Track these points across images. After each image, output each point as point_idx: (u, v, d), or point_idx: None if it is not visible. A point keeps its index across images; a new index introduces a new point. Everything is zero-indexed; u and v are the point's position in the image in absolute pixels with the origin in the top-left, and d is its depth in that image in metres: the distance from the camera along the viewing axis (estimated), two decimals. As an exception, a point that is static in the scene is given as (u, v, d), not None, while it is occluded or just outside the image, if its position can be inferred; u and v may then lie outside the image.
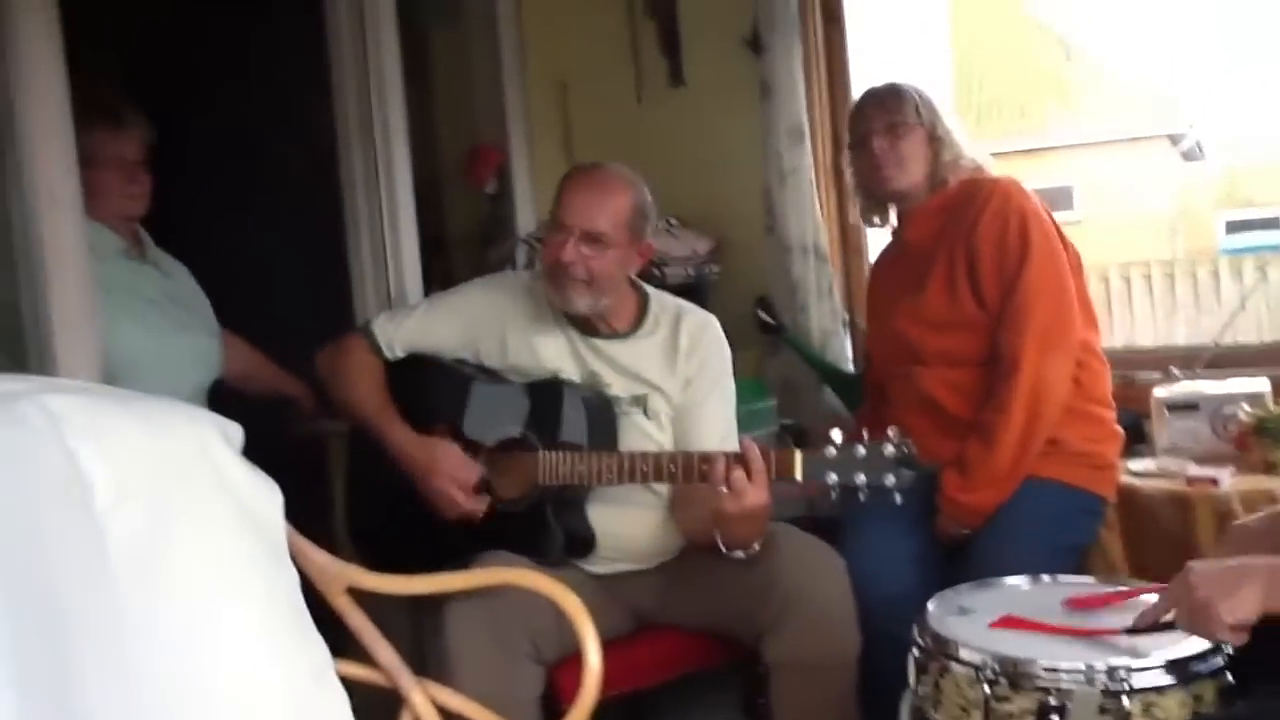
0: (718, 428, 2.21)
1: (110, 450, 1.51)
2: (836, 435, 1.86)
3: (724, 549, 2.03)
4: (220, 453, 1.67)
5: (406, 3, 2.97)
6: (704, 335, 2.25)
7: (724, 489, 1.90)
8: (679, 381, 2.21)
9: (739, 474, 1.89)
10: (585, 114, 3.55)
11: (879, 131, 2.38)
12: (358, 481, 2.42)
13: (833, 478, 1.85)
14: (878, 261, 2.66)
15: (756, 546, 2.04)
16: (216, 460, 1.66)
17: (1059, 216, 2.38)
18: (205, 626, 1.53)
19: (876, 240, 2.96)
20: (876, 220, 2.58)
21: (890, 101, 2.39)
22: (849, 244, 3.22)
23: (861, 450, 1.84)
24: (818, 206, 3.08)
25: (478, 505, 2.16)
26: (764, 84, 3.06)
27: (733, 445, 2.16)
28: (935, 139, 2.37)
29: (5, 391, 1.47)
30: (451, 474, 2.15)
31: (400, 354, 2.30)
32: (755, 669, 2.15)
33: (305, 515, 1.82)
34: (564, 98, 3.55)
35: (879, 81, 2.48)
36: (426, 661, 1.87)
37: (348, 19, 2.88)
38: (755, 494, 1.89)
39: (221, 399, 2.54)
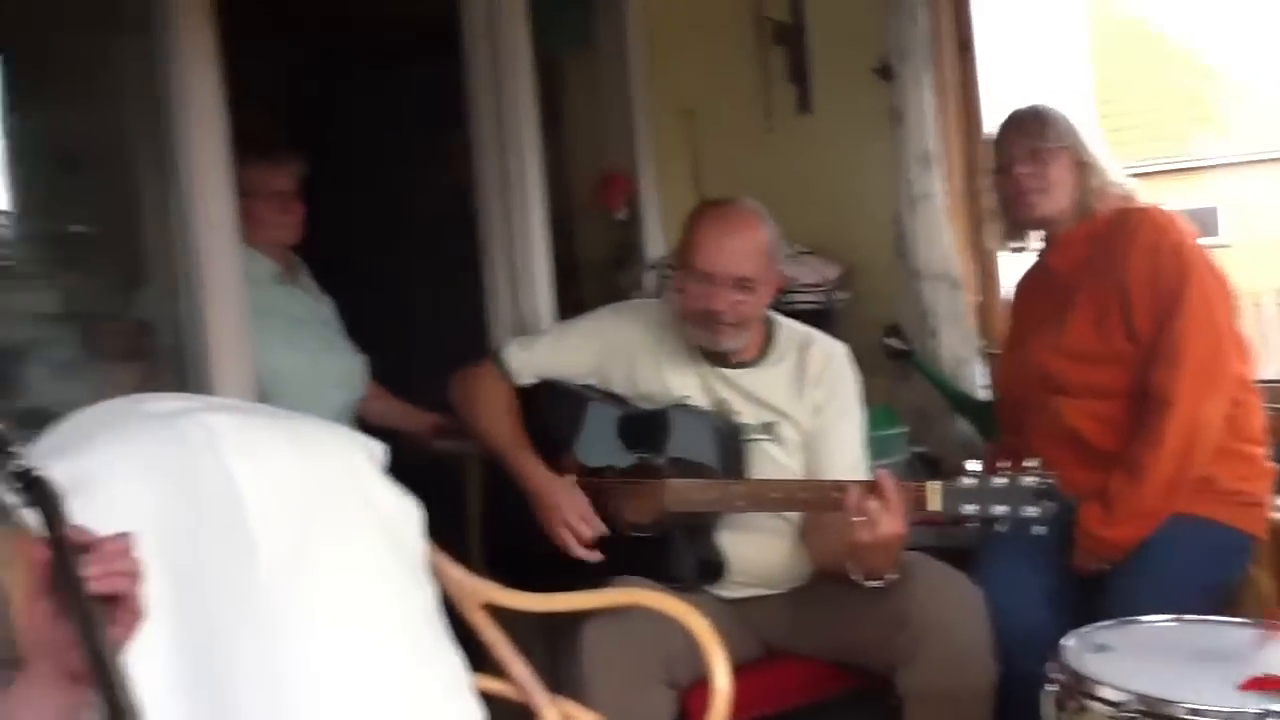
0: (848, 455, 2.20)
1: (263, 467, 1.59)
2: (973, 465, 1.83)
3: (858, 578, 2.01)
4: (365, 471, 1.74)
5: (539, 31, 3.04)
6: (832, 362, 2.24)
7: (858, 518, 1.88)
8: (807, 408, 2.21)
9: (873, 503, 1.87)
10: (713, 141, 3.57)
11: (1022, 157, 2.32)
12: (494, 502, 2.47)
13: (971, 509, 1.82)
14: (1020, 285, 2.60)
15: (893, 576, 2.01)
16: (361, 478, 1.73)
17: (1203, 241, 2.31)
18: (347, 636, 1.59)
19: (1010, 267, 2.91)
20: (1018, 244, 2.52)
21: (1033, 125, 2.34)
22: (983, 270, 3.16)
23: (1002, 482, 1.80)
24: (949, 232, 3.04)
25: (592, 558, 2.18)
26: (894, 111, 3.05)
27: (863, 472, 2.15)
28: (1081, 164, 2.31)
29: (170, 410, 1.56)
30: (572, 524, 2.18)
31: (530, 380, 2.35)
32: (888, 699, 2.12)
33: (443, 533, 1.87)
34: (692, 125, 3.58)
35: (1012, 108, 2.44)
36: (559, 682, 1.89)
37: (484, 49, 2.97)
38: (890, 523, 1.87)
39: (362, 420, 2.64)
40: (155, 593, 1.31)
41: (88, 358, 2.47)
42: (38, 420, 1.60)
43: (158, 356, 2.25)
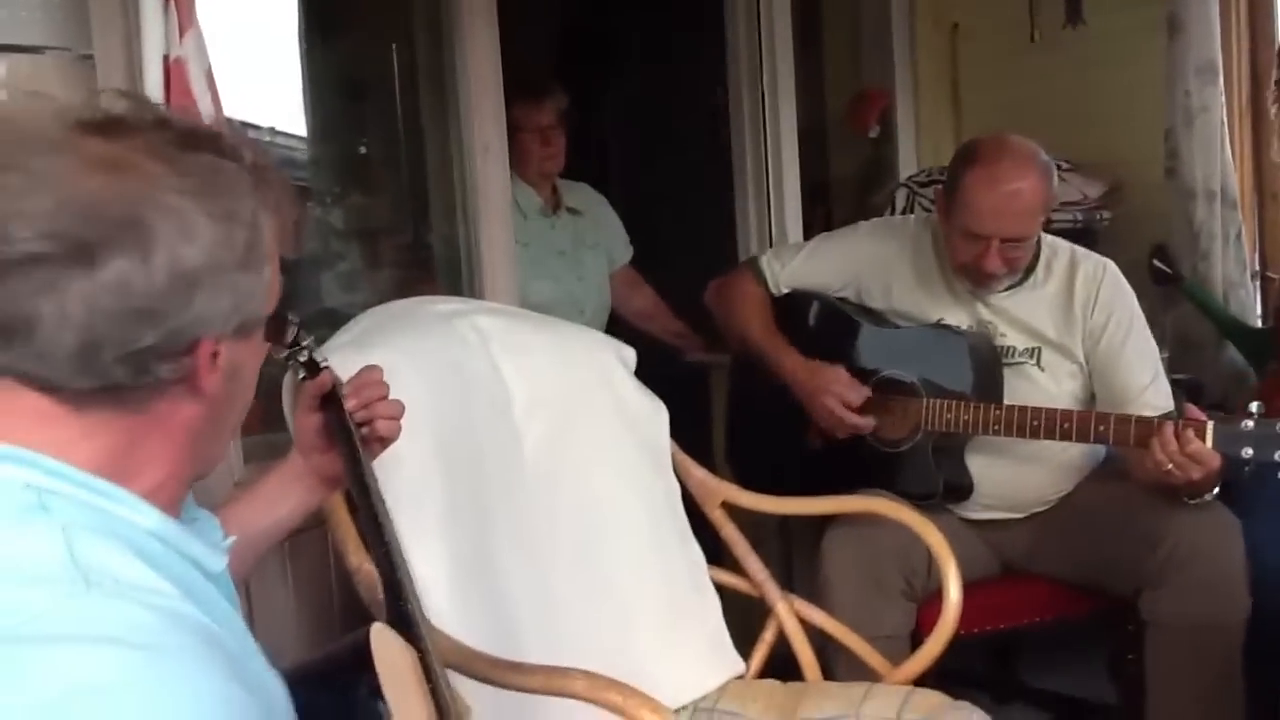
0: (1143, 374, 2.12)
1: (526, 366, 1.75)
2: (1256, 408, 1.75)
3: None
4: (616, 372, 1.88)
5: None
6: (1104, 282, 2.15)
7: (1156, 462, 1.84)
8: (1082, 336, 2.15)
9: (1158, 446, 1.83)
10: (975, 56, 3.48)
11: None
12: (738, 413, 2.55)
13: (1248, 452, 1.76)
14: None
15: (1209, 496, 1.96)
16: (613, 378, 1.86)
17: None
18: (598, 522, 1.74)
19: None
20: None
21: None
22: (1263, 189, 2.96)
23: None
24: (1228, 148, 2.86)
25: (864, 423, 2.18)
26: (1172, 20, 2.87)
27: (1162, 388, 2.11)
28: None
29: (448, 311, 1.74)
30: (840, 394, 2.18)
31: (785, 290, 2.37)
32: (1128, 624, 2.09)
33: (687, 440, 1.98)
34: (953, 39, 3.50)
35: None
36: (793, 585, 1.97)
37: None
38: (1188, 471, 1.82)
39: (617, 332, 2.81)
40: (431, 466, 1.50)
41: (370, 269, 2.73)
42: (330, 320, 1.82)
43: (434, 270, 2.47)
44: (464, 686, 1.20)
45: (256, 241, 0.85)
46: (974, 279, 2.12)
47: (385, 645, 0.97)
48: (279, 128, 2.58)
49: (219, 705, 0.72)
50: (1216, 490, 1.95)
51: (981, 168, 2.04)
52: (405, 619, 1.06)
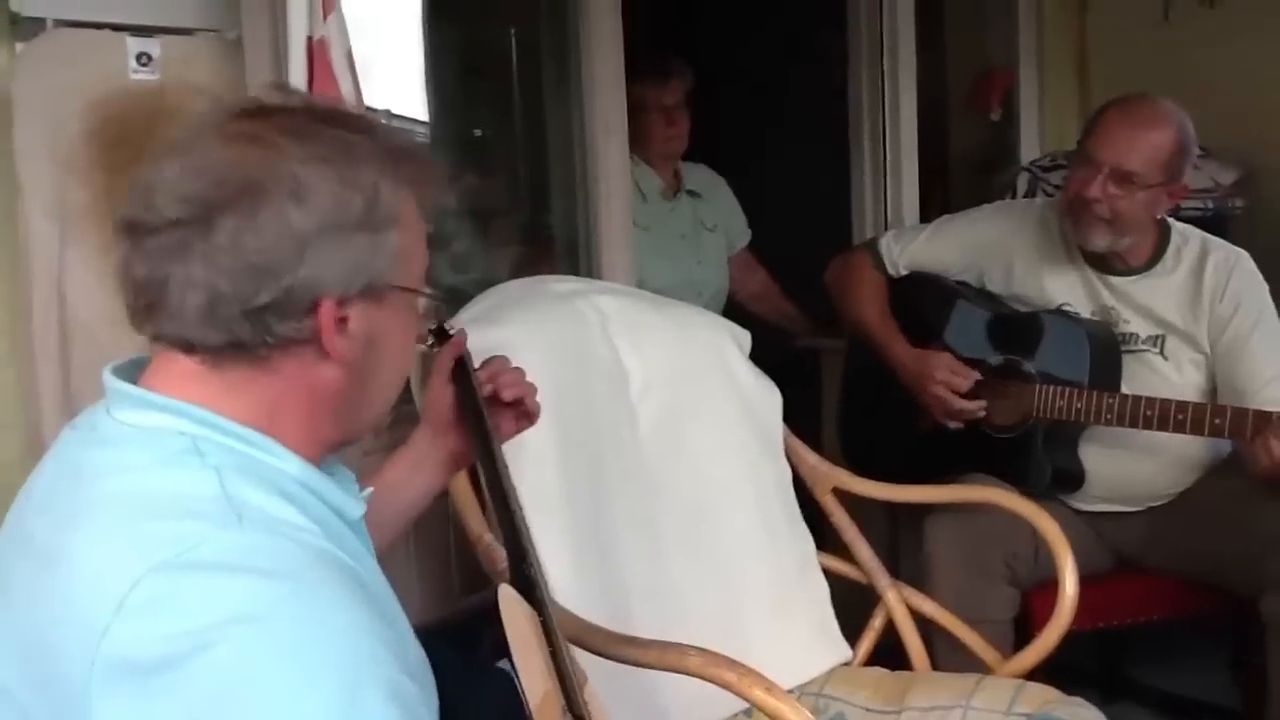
0: (1268, 366, 2.06)
1: (643, 346, 1.78)
2: None
3: None
4: (731, 354, 1.89)
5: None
6: (1234, 272, 2.10)
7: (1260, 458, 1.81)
8: (1208, 325, 2.10)
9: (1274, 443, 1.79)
10: (1104, 36, 3.37)
11: None
12: (850, 396, 2.55)
13: None
14: None
15: None
16: (727, 360, 1.88)
17: None
18: (710, 502, 1.76)
19: None
20: None
21: None
22: None
23: None
24: (1376, 132, 2.73)
25: (971, 407, 2.17)
26: (1316, -3, 2.75)
27: None
28: None
29: (568, 290, 1.77)
30: (946, 380, 2.18)
31: (903, 272, 2.36)
32: (1250, 626, 2.04)
33: (799, 423, 1.99)
34: (1082, 18, 3.40)
35: None
36: (899, 572, 1.96)
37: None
38: None
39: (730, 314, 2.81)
40: (550, 443, 1.54)
41: (484, 248, 2.78)
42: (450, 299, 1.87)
43: (553, 252, 2.50)
44: (579, 660, 1.23)
45: (375, 205, 0.87)
46: (1075, 215, 2.08)
47: (511, 606, 1.01)
48: (395, 110, 2.63)
49: (362, 635, 0.77)
50: None
51: (1119, 102, 2.09)
52: (529, 583, 1.09)
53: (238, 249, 0.83)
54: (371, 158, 0.88)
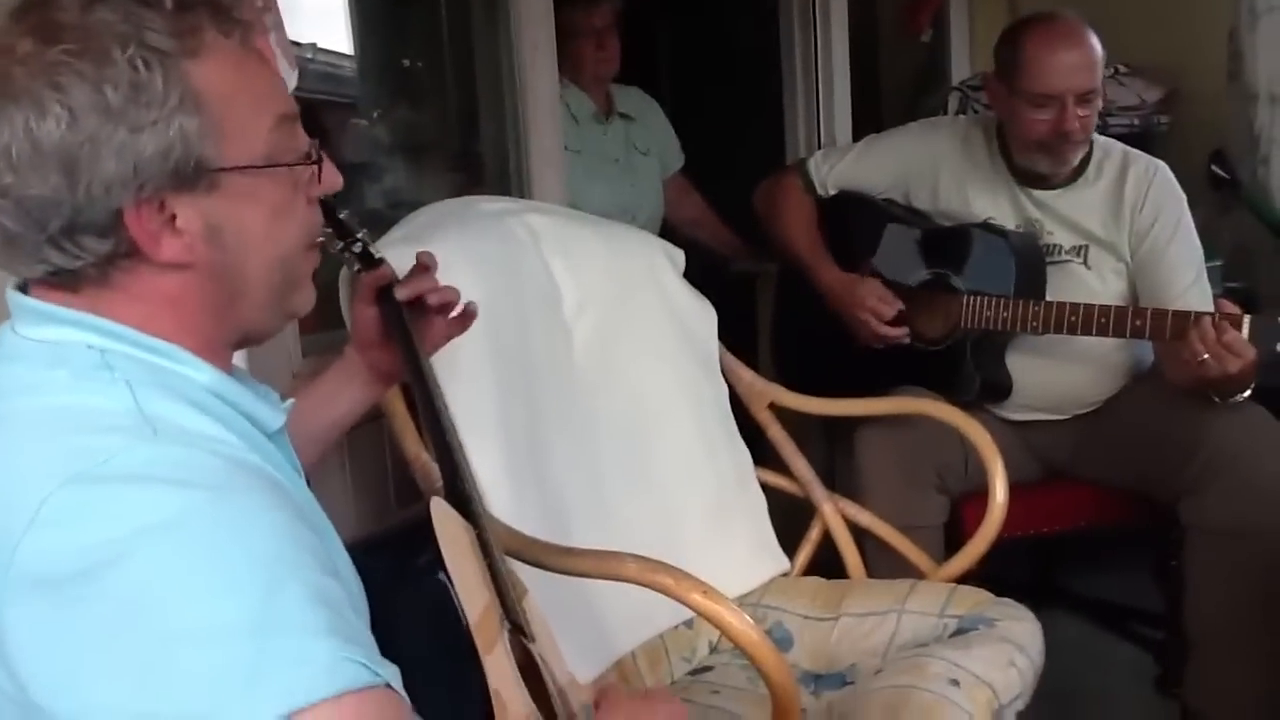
0: (1185, 274, 2.12)
1: (576, 264, 1.76)
2: None
3: (1215, 397, 1.97)
4: (665, 272, 1.88)
5: None
6: (1154, 183, 2.14)
7: (1195, 354, 1.83)
8: (1129, 235, 2.14)
9: (1198, 340, 1.82)
10: (1032, -46, 3.38)
11: None
12: (783, 317, 2.57)
13: None
14: None
15: (1244, 395, 1.95)
16: (662, 279, 1.87)
17: None
18: (647, 419, 1.76)
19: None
20: None
21: None
22: (1327, 92, 2.88)
23: None
24: (1296, 50, 2.78)
25: (896, 334, 2.22)
26: (1240, -87, 2.78)
27: (1203, 289, 2.10)
28: None
29: (499, 209, 1.75)
30: (873, 308, 2.22)
31: (831, 192, 2.37)
32: (1169, 531, 2.10)
33: (735, 345, 2.00)
34: (1009, -63, 3.40)
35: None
36: (835, 484, 1.99)
37: None
38: (1225, 363, 1.80)
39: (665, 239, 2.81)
40: (483, 362, 1.53)
41: (419, 178, 2.73)
42: (376, 221, 1.83)
43: (483, 177, 2.46)
44: (518, 573, 1.24)
45: (142, 84, 0.77)
46: (1053, 151, 2.10)
47: (445, 518, 1.01)
48: (319, 44, 2.56)
49: (284, 540, 0.75)
50: (1250, 391, 1.94)
51: (1039, 32, 2.07)
52: (463, 498, 1.09)
53: (4, 190, 0.78)
54: (125, 31, 0.77)
